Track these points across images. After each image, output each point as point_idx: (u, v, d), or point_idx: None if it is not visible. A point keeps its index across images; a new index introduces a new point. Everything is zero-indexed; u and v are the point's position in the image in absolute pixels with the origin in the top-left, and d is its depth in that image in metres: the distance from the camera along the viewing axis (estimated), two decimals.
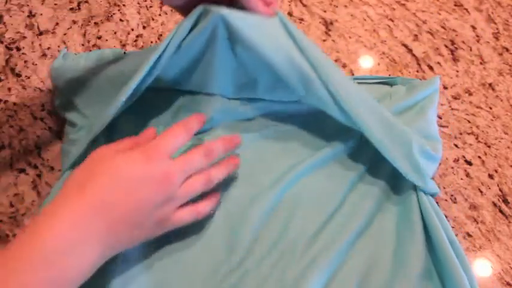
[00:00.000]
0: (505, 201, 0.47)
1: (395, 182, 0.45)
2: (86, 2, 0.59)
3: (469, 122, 0.52)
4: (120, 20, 0.57)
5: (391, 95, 0.50)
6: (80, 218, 0.32)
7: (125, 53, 0.53)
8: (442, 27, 0.60)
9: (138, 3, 0.59)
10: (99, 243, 0.33)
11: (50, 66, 0.51)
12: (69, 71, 0.49)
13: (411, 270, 0.40)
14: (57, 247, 0.31)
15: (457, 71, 0.56)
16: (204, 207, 0.40)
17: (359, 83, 0.52)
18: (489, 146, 0.51)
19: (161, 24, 0.57)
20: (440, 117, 0.52)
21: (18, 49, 0.54)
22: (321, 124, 0.47)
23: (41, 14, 0.57)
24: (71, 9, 0.58)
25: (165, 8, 0.59)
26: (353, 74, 0.55)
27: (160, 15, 0.58)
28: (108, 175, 0.34)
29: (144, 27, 0.57)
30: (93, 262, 0.33)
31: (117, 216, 0.34)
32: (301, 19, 0.59)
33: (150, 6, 0.59)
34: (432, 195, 0.44)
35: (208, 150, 0.39)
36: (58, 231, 0.31)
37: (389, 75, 0.55)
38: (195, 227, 0.41)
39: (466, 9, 0.62)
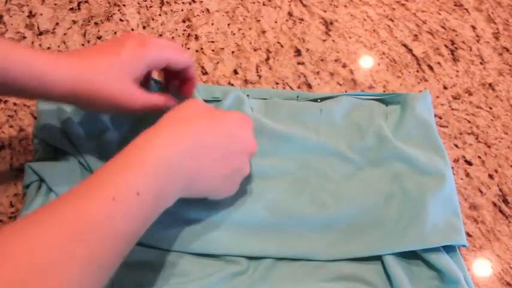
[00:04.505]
0: (505, 201, 0.47)
1: None
2: (86, 2, 0.59)
3: (469, 122, 0.52)
4: (120, 20, 0.57)
5: (387, 116, 0.49)
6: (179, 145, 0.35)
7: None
8: (442, 27, 0.60)
9: (138, 3, 0.59)
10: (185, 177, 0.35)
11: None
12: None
13: None
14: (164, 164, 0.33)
15: (457, 71, 0.56)
16: None
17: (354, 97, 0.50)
18: (489, 146, 0.51)
19: (161, 24, 0.57)
20: (440, 117, 0.52)
21: None
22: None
23: (41, 14, 0.57)
24: (71, 9, 0.58)
25: (165, 8, 0.59)
26: (353, 74, 0.55)
27: (160, 15, 0.58)
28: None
29: (144, 27, 0.57)
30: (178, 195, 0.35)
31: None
32: (301, 19, 0.59)
33: (150, 6, 0.59)
34: None
35: None
36: (165, 150, 0.34)
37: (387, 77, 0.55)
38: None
39: (466, 9, 0.62)
